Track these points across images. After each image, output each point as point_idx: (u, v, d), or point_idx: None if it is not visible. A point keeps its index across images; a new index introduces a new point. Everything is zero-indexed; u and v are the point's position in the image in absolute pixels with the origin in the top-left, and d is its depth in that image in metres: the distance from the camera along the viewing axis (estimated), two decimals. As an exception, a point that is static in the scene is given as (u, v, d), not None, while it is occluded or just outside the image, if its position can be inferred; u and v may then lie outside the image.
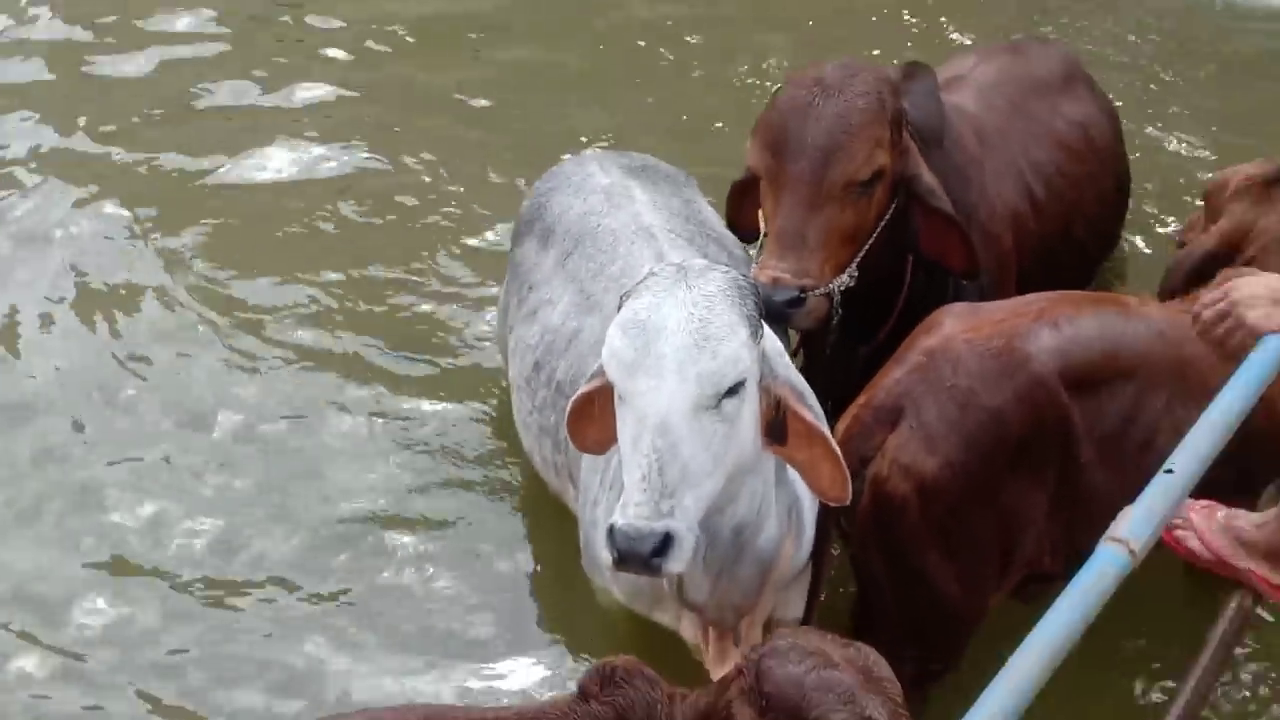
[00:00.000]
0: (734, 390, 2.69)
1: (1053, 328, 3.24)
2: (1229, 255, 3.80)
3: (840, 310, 3.52)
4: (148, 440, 4.43)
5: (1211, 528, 3.21)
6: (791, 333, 3.69)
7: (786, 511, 3.08)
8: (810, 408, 2.86)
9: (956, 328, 3.25)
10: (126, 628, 3.84)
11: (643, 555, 2.60)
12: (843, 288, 3.49)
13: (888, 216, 3.58)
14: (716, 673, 3.24)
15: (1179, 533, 3.24)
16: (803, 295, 3.39)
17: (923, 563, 3.18)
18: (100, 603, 3.90)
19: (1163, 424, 3.23)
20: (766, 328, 2.86)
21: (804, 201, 3.46)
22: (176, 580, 3.97)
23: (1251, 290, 2.97)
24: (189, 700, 3.64)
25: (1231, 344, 2.97)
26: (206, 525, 4.14)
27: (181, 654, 3.76)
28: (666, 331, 2.67)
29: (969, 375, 3.14)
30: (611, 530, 2.63)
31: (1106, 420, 3.23)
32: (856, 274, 3.52)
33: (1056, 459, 3.20)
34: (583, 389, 2.92)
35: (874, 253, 3.56)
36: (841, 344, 3.71)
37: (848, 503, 2.89)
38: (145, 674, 3.70)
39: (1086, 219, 4.29)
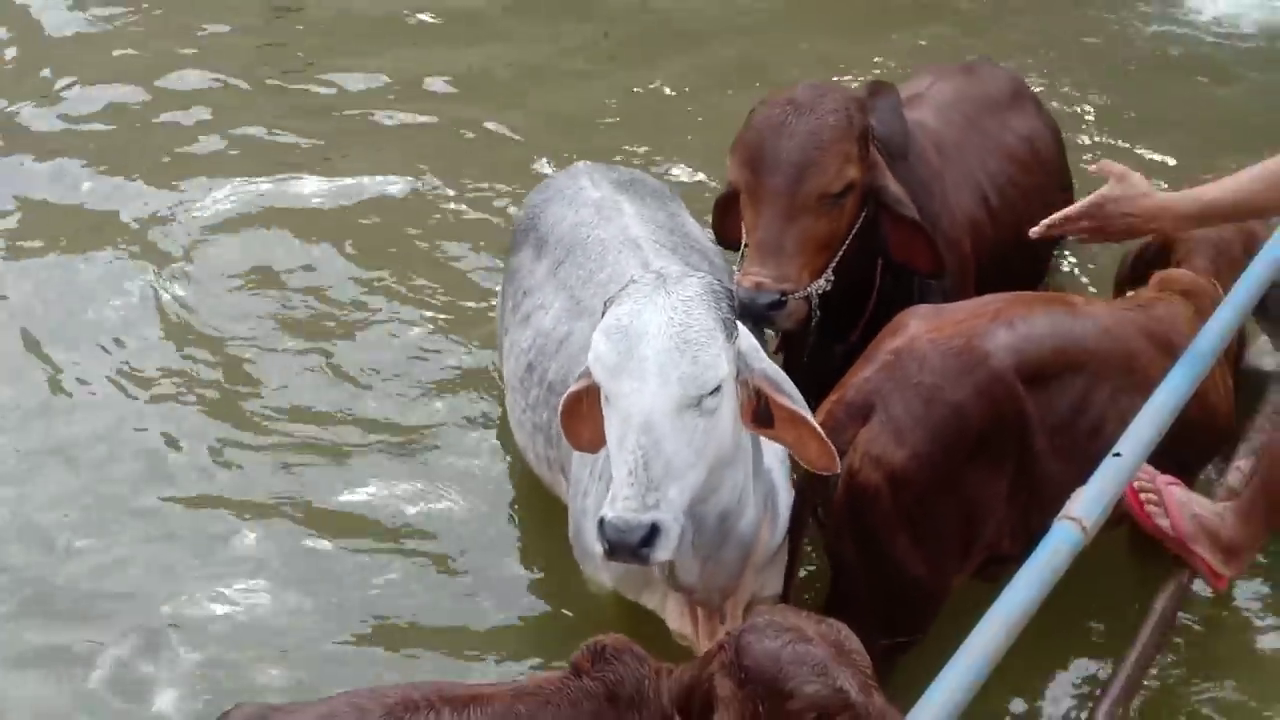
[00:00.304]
0: (714, 389, 2.81)
1: (1008, 327, 3.39)
2: (1157, 252, 4.02)
3: (818, 312, 3.68)
4: (155, 427, 4.55)
5: (1181, 511, 3.41)
6: (770, 334, 3.86)
7: (763, 499, 3.23)
8: (788, 394, 2.99)
9: (921, 328, 3.40)
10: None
11: (631, 545, 2.72)
12: (820, 291, 3.65)
13: (858, 225, 3.73)
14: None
15: (1151, 508, 3.44)
16: (783, 299, 3.54)
17: (892, 547, 3.32)
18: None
19: (1109, 413, 3.40)
20: (741, 325, 3.00)
21: (781, 213, 3.60)
22: (181, 573, 4.06)
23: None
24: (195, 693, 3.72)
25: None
26: (205, 516, 4.24)
27: (188, 648, 3.84)
28: (648, 336, 2.78)
29: (933, 372, 3.28)
30: (602, 523, 2.74)
31: (1058, 411, 3.40)
32: (832, 278, 3.67)
33: (1014, 449, 3.35)
34: (572, 389, 3.03)
35: (847, 258, 3.72)
36: (819, 344, 3.87)
37: (837, 471, 3.03)
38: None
39: (1034, 225, 4.49)
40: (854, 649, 2.51)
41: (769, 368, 3.03)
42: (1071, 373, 3.43)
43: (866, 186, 3.72)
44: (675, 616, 3.42)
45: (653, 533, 2.73)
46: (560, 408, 3.10)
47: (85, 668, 3.77)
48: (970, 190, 4.22)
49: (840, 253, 3.71)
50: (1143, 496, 3.49)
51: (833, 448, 2.95)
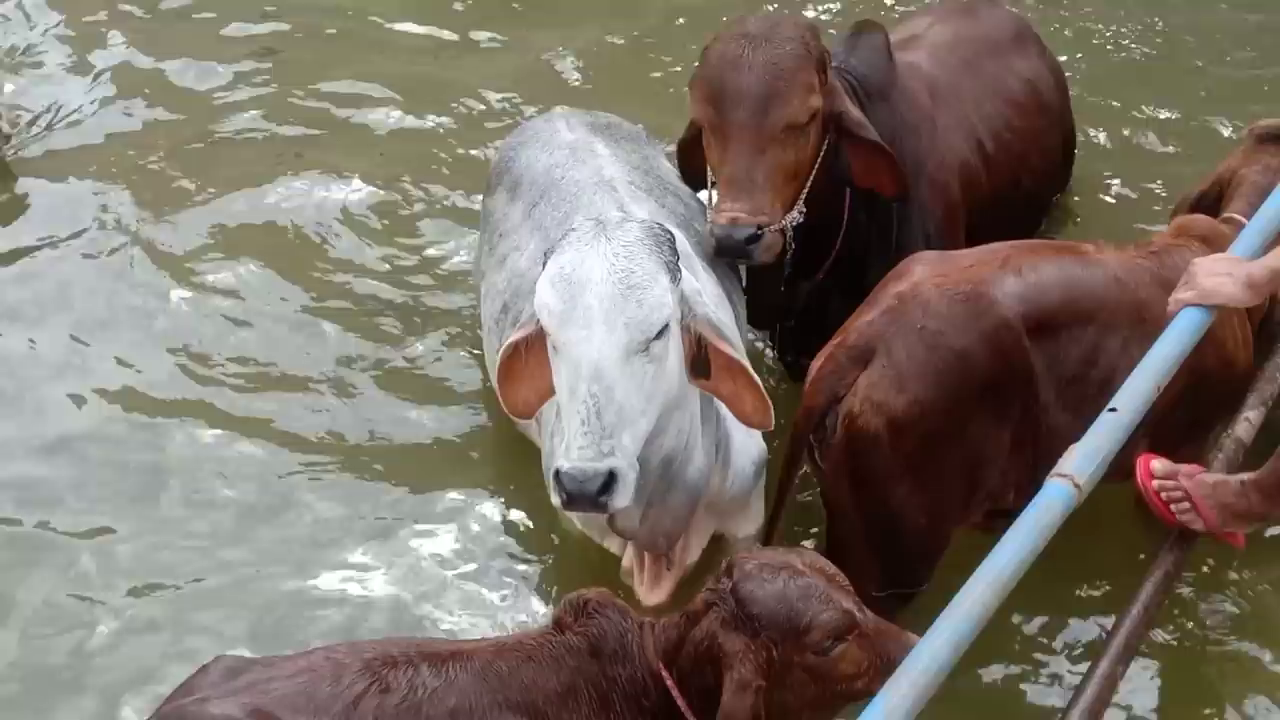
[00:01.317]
0: (660, 333, 2.80)
1: (1016, 274, 3.30)
2: (1217, 196, 3.94)
3: (793, 245, 3.64)
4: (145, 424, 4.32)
5: (1208, 504, 3.27)
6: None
7: (714, 445, 3.19)
8: (729, 341, 2.96)
9: (926, 273, 3.30)
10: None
11: (590, 495, 2.70)
12: (794, 223, 3.60)
13: (823, 152, 3.68)
14: (648, 597, 3.37)
15: (1176, 506, 3.30)
16: (760, 231, 3.49)
17: (891, 495, 3.24)
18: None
19: (1120, 365, 3.26)
20: (684, 270, 2.94)
21: (749, 147, 3.54)
22: (184, 546, 3.90)
23: (1204, 264, 3.20)
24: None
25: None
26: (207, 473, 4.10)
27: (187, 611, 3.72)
28: (592, 283, 2.78)
29: (938, 318, 3.19)
30: (558, 474, 2.72)
31: (1067, 363, 3.30)
32: (805, 210, 3.62)
33: (1019, 399, 3.26)
34: (512, 337, 3.02)
35: (816, 188, 3.66)
36: (786, 280, 3.83)
37: (770, 428, 2.99)
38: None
39: (1033, 171, 4.42)
40: (834, 571, 2.55)
41: (712, 314, 3.00)
42: (1081, 323, 3.33)
43: (827, 113, 3.66)
44: (627, 557, 3.44)
45: (610, 480, 2.71)
46: (498, 364, 3.07)
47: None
48: (964, 134, 4.16)
49: (809, 182, 3.65)
50: (1165, 496, 3.34)
51: (769, 403, 2.92)
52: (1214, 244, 3.52)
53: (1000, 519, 3.33)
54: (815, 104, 3.58)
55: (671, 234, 2.95)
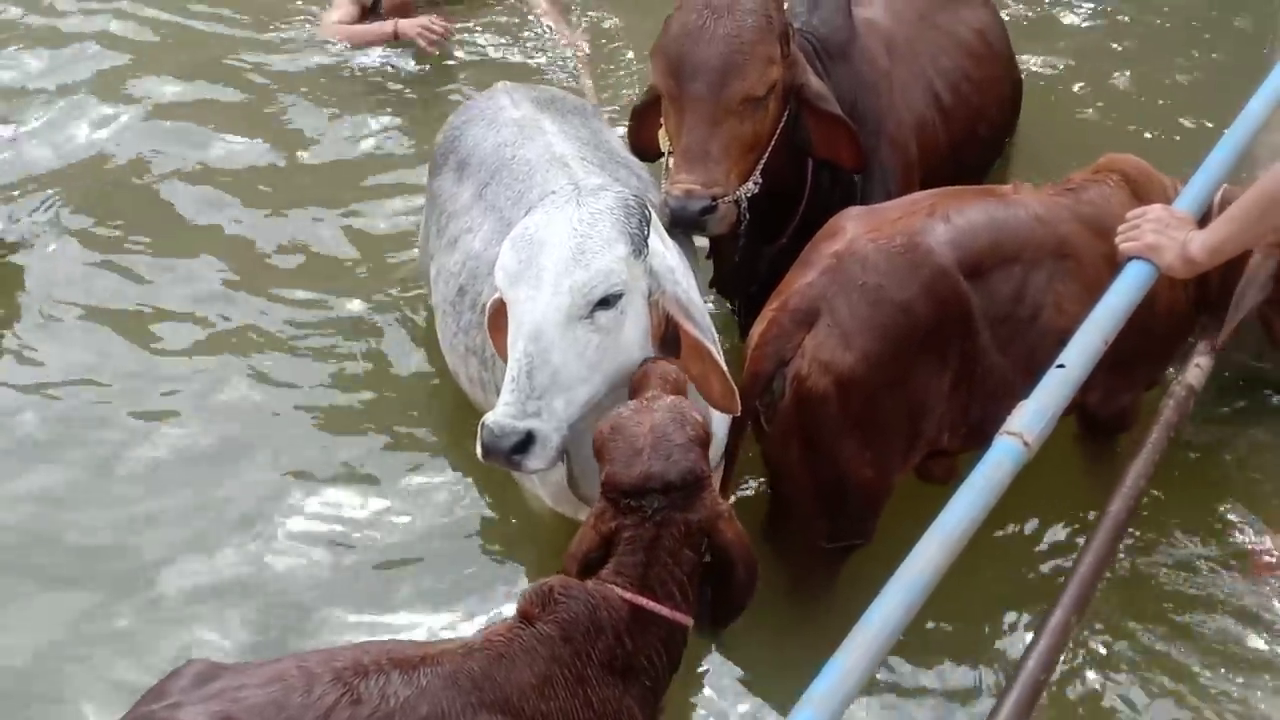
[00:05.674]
0: (608, 302, 2.70)
1: (945, 222, 3.23)
2: None
3: (747, 215, 3.54)
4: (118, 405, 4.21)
5: None
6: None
7: None
8: (697, 323, 2.87)
9: (859, 229, 3.23)
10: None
11: (503, 451, 2.62)
12: (749, 194, 3.50)
13: (782, 124, 3.58)
14: None
15: None
16: (714, 203, 3.40)
17: (840, 452, 3.18)
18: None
19: (1046, 300, 3.27)
20: (669, 246, 2.87)
21: (706, 118, 3.44)
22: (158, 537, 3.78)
23: (1155, 214, 3.20)
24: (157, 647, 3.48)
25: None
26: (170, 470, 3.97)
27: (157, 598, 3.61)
28: (549, 245, 2.70)
29: (878, 272, 3.12)
30: (482, 426, 2.64)
31: (999, 303, 3.25)
32: (760, 180, 3.53)
33: (958, 343, 3.20)
34: (493, 298, 2.92)
35: (774, 159, 3.56)
36: (749, 246, 3.74)
37: (737, 414, 2.92)
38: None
39: (990, 120, 4.35)
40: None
41: (683, 294, 2.91)
42: (1009, 263, 3.27)
43: (787, 85, 3.56)
44: None
45: (528, 440, 2.63)
46: (486, 319, 3.00)
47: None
48: (922, 89, 4.07)
49: (766, 154, 3.56)
50: None
51: (735, 388, 2.84)
52: (1136, 182, 3.46)
53: (934, 460, 3.39)
54: (774, 76, 3.47)
55: (646, 208, 2.84)
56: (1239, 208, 3.09)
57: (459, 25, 5.83)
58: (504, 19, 6.00)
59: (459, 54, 5.79)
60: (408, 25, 5.61)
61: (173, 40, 5.87)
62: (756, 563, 2.56)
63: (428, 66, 5.68)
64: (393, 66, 5.69)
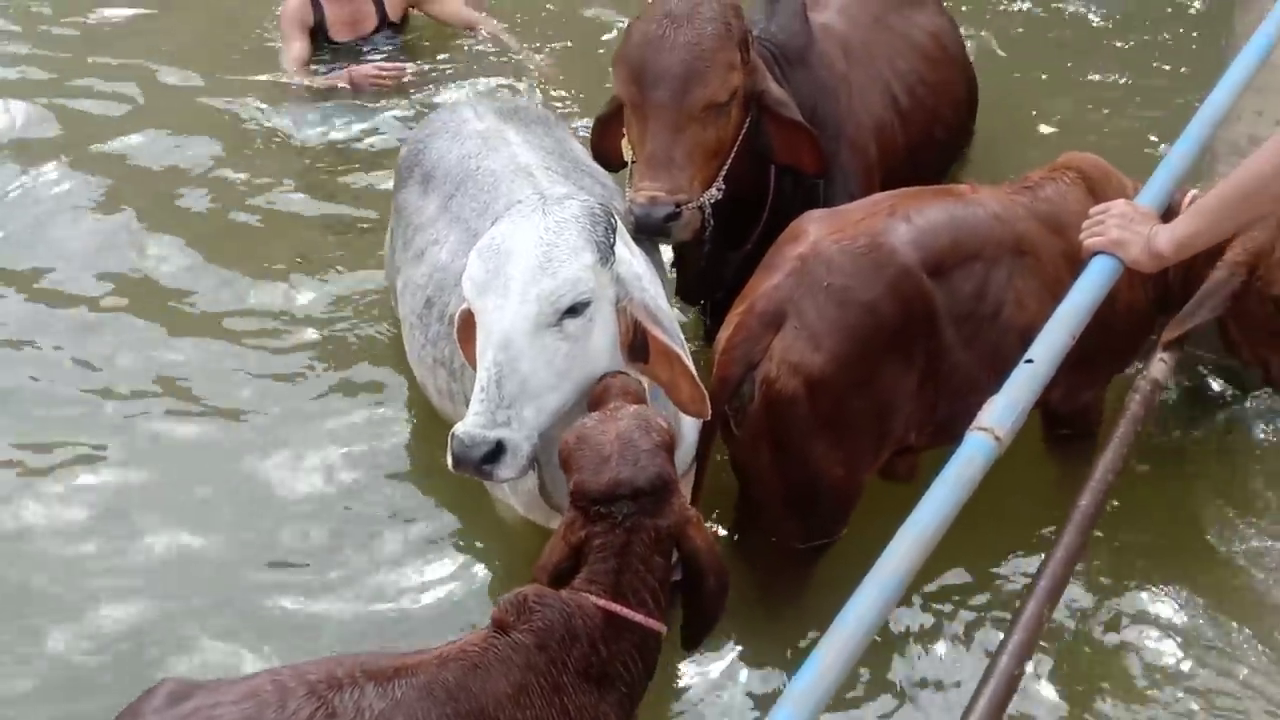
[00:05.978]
0: (576, 310, 2.69)
1: (906, 221, 3.24)
2: None
3: (711, 221, 3.55)
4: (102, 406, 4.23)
5: None
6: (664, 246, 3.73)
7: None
8: (665, 328, 2.86)
9: (822, 231, 3.23)
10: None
11: (474, 461, 2.61)
12: (712, 201, 3.51)
13: (744, 130, 3.59)
14: None
15: None
16: (678, 210, 3.41)
17: (811, 453, 3.18)
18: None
19: (1007, 297, 3.29)
20: (635, 254, 2.86)
21: (669, 125, 3.46)
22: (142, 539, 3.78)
23: (1119, 210, 3.21)
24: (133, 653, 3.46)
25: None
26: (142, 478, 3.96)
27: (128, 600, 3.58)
28: (515, 255, 2.70)
29: (843, 273, 3.13)
30: (452, 436, 2.63)
31: (961, 300, 3.26)
32: (723, 187, 3.54)
33: (924, 342, 3.21)
34: (462, 308, 2.90)
35: (737, 165, 3.57)
36: (714, 252, 3.75)
37: (708, 418, 2.91)
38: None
39: (946, 123, 4.38)
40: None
41: (650, 300, 2.91)
42: (969, 260, 3.29)
43: (748, 92, 3.57)
44: None
45: (498, 450, 2.62)
46: (456, 328, 2.99)
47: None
48: (879, 92, 4.10)
49: (729, 160, 3.57)
50: None
51: (705, 392, 2.83)
52: (1093, 179, 3.48)
53: (899, 458, 3.40)
54: (735, 83, 3.49)
55: (611, 216, 2.84)
56: (1213, 200, 3.09)
57: (413, 64, 5.90)
58: (463, 41, 6.07)
59: (422, 67, 5.84)
60: (360, 78, 5.67)
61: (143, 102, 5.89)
62: (727, 572, 2.55)
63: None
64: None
